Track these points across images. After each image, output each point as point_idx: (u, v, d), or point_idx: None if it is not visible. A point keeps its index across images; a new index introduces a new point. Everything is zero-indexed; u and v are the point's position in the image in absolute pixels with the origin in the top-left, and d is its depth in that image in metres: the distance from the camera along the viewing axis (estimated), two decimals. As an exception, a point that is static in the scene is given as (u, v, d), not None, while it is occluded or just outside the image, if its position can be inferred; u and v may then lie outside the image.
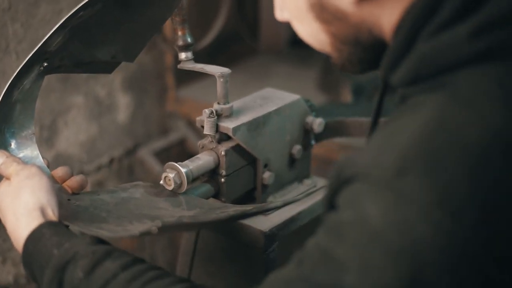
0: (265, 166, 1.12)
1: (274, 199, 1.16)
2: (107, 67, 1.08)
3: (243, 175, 1.11)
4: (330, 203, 0.68)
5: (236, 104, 1.11)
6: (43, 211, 0.86)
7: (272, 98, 1.15)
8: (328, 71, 2.11)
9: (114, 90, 2.00)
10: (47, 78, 1.78)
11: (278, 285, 0.66)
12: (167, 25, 2.06)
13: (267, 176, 1.12)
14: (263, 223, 1.11)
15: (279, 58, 2.36)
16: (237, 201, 1.14)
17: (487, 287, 0.60)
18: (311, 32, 0.76)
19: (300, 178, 1.22)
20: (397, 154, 0.61)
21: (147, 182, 1.07)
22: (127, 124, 2.06)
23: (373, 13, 0.69)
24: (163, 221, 0.83)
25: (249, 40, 2.39)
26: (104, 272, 0.80)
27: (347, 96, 1.99)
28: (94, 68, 1.07)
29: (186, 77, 2.15)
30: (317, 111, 1.21)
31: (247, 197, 1.15)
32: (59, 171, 0.98)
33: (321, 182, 1.25)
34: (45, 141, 1.77)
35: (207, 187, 1.07)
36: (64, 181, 0.98)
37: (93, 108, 1.93)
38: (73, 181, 0.98)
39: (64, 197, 0.96)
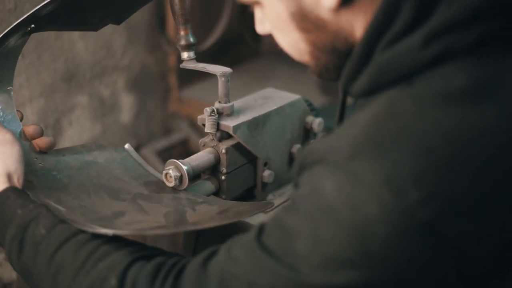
0: (265, 164, 1.14)
1: (274, 197, 1.18)
2: (94, 27, 1.10)
3: (243, 173, 1.12)
4: (295, 187, 0.74)
5: (237, 103, 1.13)
6: (9, 178, 0.90)
7: (272, 98, 1.17)
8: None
9: (118, 90, 2.02)
10: (51, 77, 1.80)
11: (237, 248, 0.74)
12: (171, 27, 2.08)
13: (267, 174, 1.14)
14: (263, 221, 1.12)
15: (281, 60, 2.38)
16: (237, 199, 1.16)
17: (435, 263, 0.64)
18: (291, 41, 0.78)
19: (299, 177, 1.24)
20: (350, 140, 0.67)
21: (113, 147, 1.11)
22: (130, 124, 2.08)
23: (349, 21, 0.73)
24: (118, 230, 0.84)
25: (252, 42, 2.41)
26: (65, 230, 0.84)
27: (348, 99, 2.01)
28: (81, 28, 1.11)
29: (189, 78, 2.17)
30: (316, 111, 1.23)
31: (247, 194, 1.17)
32: (31, 129, 1.02)
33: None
34: (49, 140, 1.79)
35: (207, 184, 1.09)
36: (34, 139, 1.02)
37: (97, 108, 1.95)
38: (42, 141, 1.02)
39: (32, 155, 1.00)
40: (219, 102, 1.08)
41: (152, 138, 2.16)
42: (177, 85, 2.15)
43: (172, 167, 1.03)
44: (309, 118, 1.20)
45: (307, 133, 1.21)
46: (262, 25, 0.83)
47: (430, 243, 0.63)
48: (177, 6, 1.04)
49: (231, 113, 1.08)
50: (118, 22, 1.10)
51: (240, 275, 0.71)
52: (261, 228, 0.73)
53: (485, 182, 0.65)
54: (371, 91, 0.71)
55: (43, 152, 1.02)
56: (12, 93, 1.05)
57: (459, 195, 0.64)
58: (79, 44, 1.84)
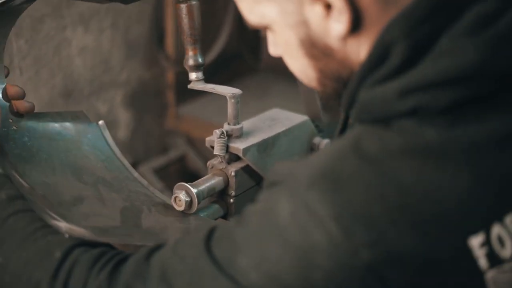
0: (273, 187, 1.12)
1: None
2: (100, 1, 1.07)
3: (251, 195, 1.10)
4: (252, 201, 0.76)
5: (244, 124, 1.11)
6: None
7: (280, 119, 1.16)
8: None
9: (115, 107, 2.00)
10: (49, 94, 1.77)
11: (185, 246, 0.75)
12: (169, 43, 2.07)
13: (275, 197, 1.12)
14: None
15: (279, 77, 2.37)
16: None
17: None
18: (300, 67, 0.78)
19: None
20: (312, 169, 0.69)
21: (87, 119, 1.10)
22: (127, 140, 2.06)
23: (354, 50, 0.73)
24: (73, 226, 0.85)
25: (250, 59, 2.40)
26: (25, 204, 0.87)
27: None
28: None
29: (187, 95, 2.15)
30: (323, 132, 1.22)
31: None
32: (13, 90, 1.01)
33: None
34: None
35: (215, 208, 1.07)
36: (14, 99, 1.02)
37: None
38: (22, 104, 1.02)
39: (8, 115, 1.00)
40: (228, 124, 1.06)
41: (149, 154, 2.13)
42: (174, 101, 2.13)
43: (182, 191, 1.00)
44: (317, 139, 1.19)
45: (314, 155, 1.20)
46: (275, 48, 0.82)
47: (370, 284, 0.65)
48: (186, 26, 1.03)
49: (240, 135, 1.06)
50: (126, 1, 1.06)
51: (182, 273, 0.73)
52: (211, 233, 0.74)
53: (432, 239, 0.65)
54: (360, 121, 0.73)
55: (20, 115, 1.02)
56: (3, 48, 1.04)
57: (405, 245, 0.65)
58: (77, 60, 1.82)
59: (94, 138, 1.08)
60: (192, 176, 2.20)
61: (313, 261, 0.66)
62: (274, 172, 0.74)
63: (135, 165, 2.07)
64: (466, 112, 0.68)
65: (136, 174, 1.09)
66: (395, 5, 0.69)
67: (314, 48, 0.74)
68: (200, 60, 1.05)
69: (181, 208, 1.00)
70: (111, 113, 1.98)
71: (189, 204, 1.00)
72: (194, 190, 1.00)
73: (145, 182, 1.08)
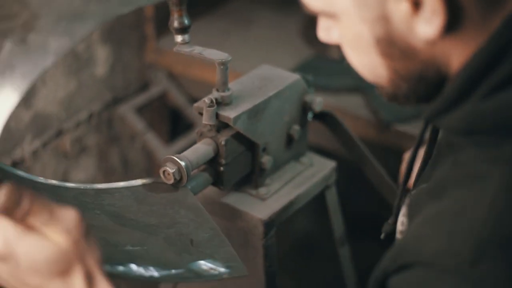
0: (264, 150, 1.08)
1: (272, 181, 1.14)
2: None
3: (241, 161, 1.07)
4: (380, 285, 0.65)
5: (233, 85, 1.06)
6: None
7: (271, 78, 1.10)
8: (312, 21, 2.03)
9: (93, 43, 1.91)
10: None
11: None
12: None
13: (265, 160, 1.09)
14: (262, 210, 1.08)
15: (261, 3, 2.27)
16: (235, 186, 1.11)
17: None
18: (368, 64, 0.69)
19: (297, 157, 1.19)
20: (470, 241, 0.58)
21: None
22: (106, 77, 1.98)
23: (445, 51, 0.64)
24: None
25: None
26: None
27: (334, 51, 1.93)
28: None
29: (167, 27, 2.06)
30: (314, 86, 1.17)
31: (245, 180, 1.11)
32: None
33: (316, 159, 1.22)
34: (23, 102, 1.70)
35: (205, 177, 1.03)
36: None
37: (71, 63, 1.85)
38: None
39: None
40: (217, 90, 1.01)
41: (129, 90, 2.06)
42: (154, 34, 2.04)
43: (170, 163, 0.96)
44: (308, 97, 1.14)
45: (305, 112, 1.16)
46: (327, 33, 0.72)
47: None
48: (170, -15, 0.95)
49: (230, 102, 1.02)
50: None
51: None
52: None
53: None
54: (464, 132, 0.63)
55: None
56: None
57: None
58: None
59: None
60: (174, 114, 2.15)
61: None
62: (407, 250, 0.62)
63: (114, 101, 2.01)
64: None
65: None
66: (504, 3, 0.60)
67: (393, 47, 0.65)
68: (186, 22, 0.99)
69: (171, 182, 0.96)
70: (89, 50, 1.89)
71: (179, 176, 0.96)
72: (182, 163, 0.96)
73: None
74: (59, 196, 0.90)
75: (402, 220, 0.80)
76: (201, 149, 1.00)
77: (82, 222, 0.66)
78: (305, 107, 1.15)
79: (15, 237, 0.62)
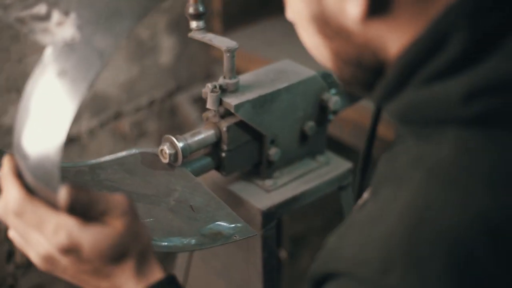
0: (272, 142, 1.10)
1: (281, 175, 1.15)
2: None
3: (247, 150, 1.09)
4: None
5: (246, 77, 1.08)
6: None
7: (287, 73, 1.12)
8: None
9: (158, 33, 1.99)
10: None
11: None
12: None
13: (273, 152, 1.10)
14: (263, 201, 1.10)
15: None
16: (240, 175, 1.13)
17: None
18: (313, 44, 0.69)
19: (312, 154, 1.19)
20: (380, 249, 0.56)
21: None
22: (170, 66, 2.06)
23: (380, 35, 0.62)
24: None
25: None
26: None
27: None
28: None
29: (234, 22, 2.10)
30: (337, 86, 1.17)
31: (253, 171, 1.13)
32: None
33: (334, 159, 1.22)
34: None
35: (207, 160, 1.06)
36: None
37: (134, 50, 1.93)
38: None
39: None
40: (224, 77, 1.04)
41: (192, 81, 2.12)
42: (221, 29, 2.09)
43: (167, 143, 1.00)
44: (326, 96, 1.14)
45: (323, 110, 1.16)
46: (289, 12, 0.72)
47: None
48: (187, -27, 0.99)
49: (236, 89, 1.04)
50: None
51: None
52: None
53: None
54: (401, 120, 0.62)
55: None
56: None
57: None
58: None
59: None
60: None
61: None
62: (331, 257, 0.61)
63: (178, 90, 2.07)
64: None
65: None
66: None
67: (327, 27, 0.65)
68: (200, 9, 1.02)
69: (166, 161, 1.00)
70: (154, 39, 1.97)
71: (174, 156, 1.00)
72: (179, 144, 1.00)
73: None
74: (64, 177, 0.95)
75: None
76: (202, 133, 1.03)
77: (133, 204, 0.71)
78: (323, 105, 1.15)
79: (78, 230, 0.67)
